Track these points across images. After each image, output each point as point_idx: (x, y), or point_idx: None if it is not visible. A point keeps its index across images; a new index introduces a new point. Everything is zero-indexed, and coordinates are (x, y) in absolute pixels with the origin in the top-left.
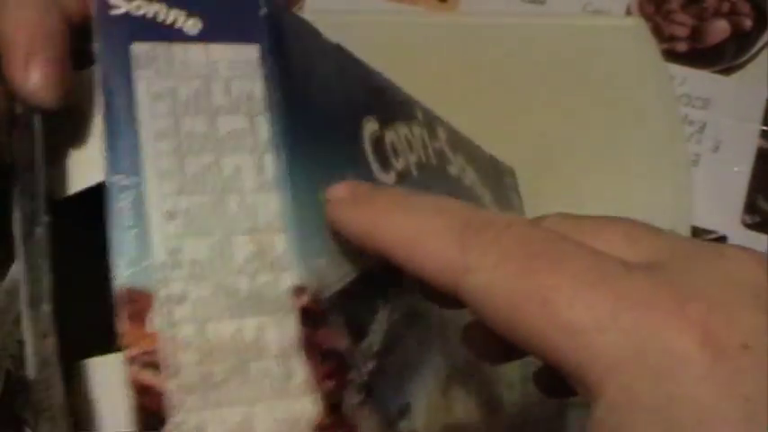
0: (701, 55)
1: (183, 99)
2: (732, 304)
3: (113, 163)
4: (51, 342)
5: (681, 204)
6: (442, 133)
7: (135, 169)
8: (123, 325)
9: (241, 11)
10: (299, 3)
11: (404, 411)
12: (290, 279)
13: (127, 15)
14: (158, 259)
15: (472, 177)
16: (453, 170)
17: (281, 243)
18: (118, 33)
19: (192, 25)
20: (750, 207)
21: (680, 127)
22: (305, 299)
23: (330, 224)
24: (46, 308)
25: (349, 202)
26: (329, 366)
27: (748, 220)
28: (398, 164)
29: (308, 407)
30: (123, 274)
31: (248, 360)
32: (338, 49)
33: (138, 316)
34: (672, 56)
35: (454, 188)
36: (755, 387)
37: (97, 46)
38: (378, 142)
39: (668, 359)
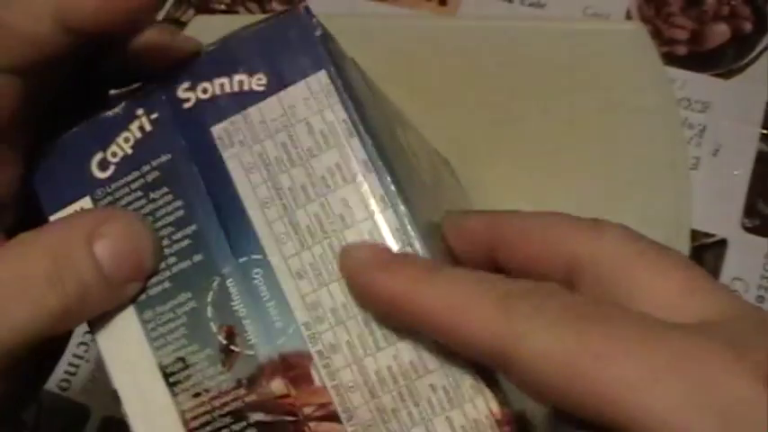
0: (701, 58)
1: (273, 159)
2: None
3: (235, 248)
4: None
5: (681, 208)
6: (418, 133)
7: (255, 246)
8: (291, 390)
9: (298, 43)
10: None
11: None
12: None
13: (198, 103)
14: (301, 320)
15: (446, 177)
16: (437, 168)
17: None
18: (196, 124)
19: (257, 82)
20: (750, 210)
21: (680, 130)
22: None
23: (354, 289)
24: None
25: (377, 266)
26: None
27: (748, 223)
28: (423, 163)
29: (484, 406)
30: (275, 344)
31: (413, 380)
32: (354, 62)
33: (304, 376)
34: (672, 59)
35: (446, 188)
36: None
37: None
38: (408, 144)
39: (733, 409)
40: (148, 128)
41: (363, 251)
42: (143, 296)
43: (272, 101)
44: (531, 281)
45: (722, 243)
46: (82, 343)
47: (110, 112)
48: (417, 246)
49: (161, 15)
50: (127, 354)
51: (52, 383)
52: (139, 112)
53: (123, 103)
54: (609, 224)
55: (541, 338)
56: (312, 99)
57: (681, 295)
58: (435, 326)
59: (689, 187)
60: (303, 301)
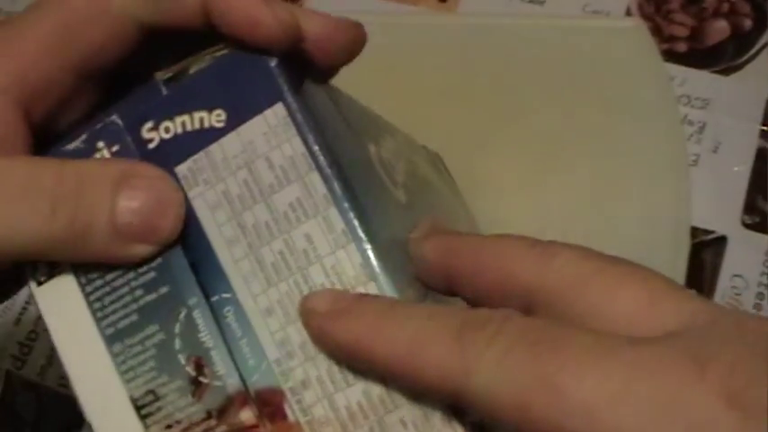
0: (701, 55)
1: (236, 196)
2: (752, 367)
3: (206, 287)
4: None
5: (680, 204)
6: (399, 137)
7: (225, 285)
8: (267, 425)
9: (254, 74)
10: (299, 4)
11: None
12: None
13: (162, 143)
14: (272, 357)
15: (430, 173)
16: (420, 171)
17: (373, 292)
18: (161, 164)
19: (216, 118)
20: (750, 207)
21: (680, 127)
22: None
23: (312, 338)
24: None
25: (333, 315)
26: None
27: (748, 220)
28: (399, 177)
29: None
30: (249, 381)
31: (382, 415)
32: (328, 86)
33: (278, 413)
34: (671, 56)
35: (428, 189)
36: None
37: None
38: (382, 163)
39: (694, 426)
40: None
41: (318, 301)
42: (111, 329)
43: (231, 137)
44: (486, 309)
45: (722, 240)
46: None
47: (70, 145)
48: (381, 280)
49: None
50: (99, 387)
51: (52, 380)
52: (100, 144)
53: (85, 135)
54: (561, 247)
55: (492, 374)
56: (271, 133)
57: (642, 308)
58: (391, 371)
59: (688, 184)
60: (273, 338)
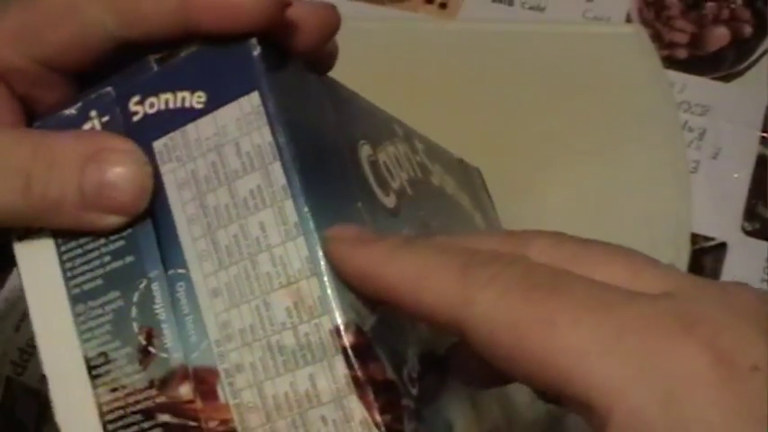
0: (701, 62)
1: (203, 177)
2: (739, 329)
3: (165, 259)
4: None
5: (680, 211)
6: (418, 144)
7: (181, 260)
8: (198, 403)
9: (237, 62)
10: None
11: (449, 430)
12: (330, 321)
13: (145, 117)
14: (213, 337)
15: (451, 184)
16: (435, 180)
17: (315, 287)
18: (142, 137)
19: (197, 100)
20: (750, 214)
21: (680, 133)
22: (349, 337)
23: (331, 263)
24: None
25: (355, 243)
26: (384, 399)
27: (748, 226)
28: (395, 183)
29: None
30: (190, 357)
31: (306, 410)
32: (321, 79)
33: (211, 391)
34: (672, 62)
35: (440, 199)
36: (766, 409)
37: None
38: (374, 166)
39: (678, 381)
40: (99, 129)
41: (343, 230)
42: (77, 290)
43: (207, 119)
44: (494, 251)
45: (722, 246)
46: None
47: (66, 111)
48: (324, 277)
49: None
50: (58, 342)
51: None
52: (93, 113)
53: (80, 103)
54: (534, 235)
55: (491, 305)
56: (243, 120)
57: (626, 281)
58: (399, 297)
59: (689, 190)
60: (216, 319)
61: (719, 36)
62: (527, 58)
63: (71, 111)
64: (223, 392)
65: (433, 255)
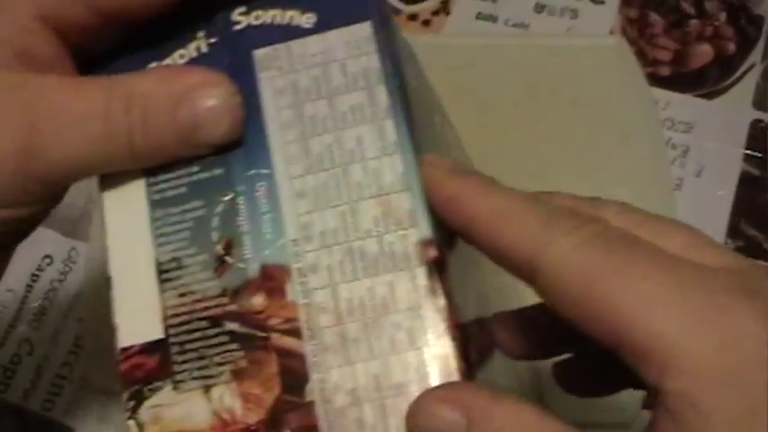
0: (685, 79)
1: (303, 88)
2: None
3: (248, 159)
4: None
5: None
6: (451, 134)
7: (266, 161)
8: (263, 299)
9: None
10: None
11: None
12: (417, 234)
13: (248, 27)
14: (290, 236)
15: None
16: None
17: (406, 201)
18: (242, 45)
19: (307, 20)
20: (733, 231)
21: (664, 150)
22: (433, 251)
23: (425, 186)
24: None
25: (453, 173)
26: (454, 316)
27: (732, 244)
28: (451, 154)
29: (442, 352)
30: (260, 254)
31: (380, 315)
32: (413, 54)
33: (278, 289)
34: (655, 80)
35: None
36: None
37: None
38: (444, 136)
39: (734, 334)
40: (204, 50)
41: (442, 161)
42: (158, 196)
43: (315, 38)
44: (574, 208)
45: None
46: (65, 363)
47: (173, 29)
48: (415, 191)
49: None
50: (130, 244)
51: (35, 404)
52: (200, 34)
53: (188, 22)
54: (605, 201)
55: (569, 250)
56: (353, 44)
57: (689, 252)
58: (481, 230)
59: (673, 208)
60: (298, 220)
61: (703, 53)
62: (511, 73)
63: (179, 28)
64: (293, 291)
65: (522, 199)
